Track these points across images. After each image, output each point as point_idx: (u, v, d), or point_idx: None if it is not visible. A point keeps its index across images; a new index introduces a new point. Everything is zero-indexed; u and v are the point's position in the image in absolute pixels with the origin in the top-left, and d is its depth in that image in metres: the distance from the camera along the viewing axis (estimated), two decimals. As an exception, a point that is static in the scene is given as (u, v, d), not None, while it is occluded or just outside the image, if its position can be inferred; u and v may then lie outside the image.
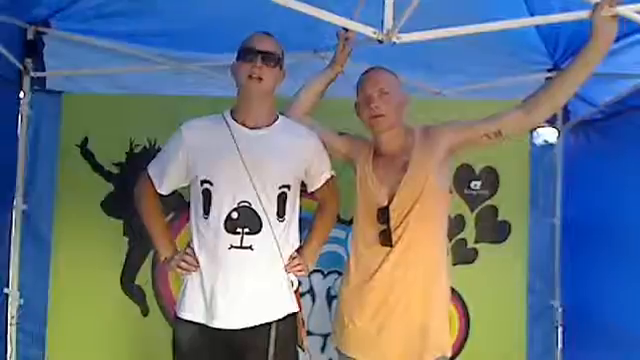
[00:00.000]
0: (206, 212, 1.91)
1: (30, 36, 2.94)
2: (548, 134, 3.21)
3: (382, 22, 1.63)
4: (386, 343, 2.03)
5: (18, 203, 2.98)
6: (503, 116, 1.95)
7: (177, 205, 2.81)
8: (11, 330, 2.97)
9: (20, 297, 2.99)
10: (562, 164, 3.20)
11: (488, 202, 3.14)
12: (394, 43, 1.65)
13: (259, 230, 1.88)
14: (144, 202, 2.07)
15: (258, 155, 1.90)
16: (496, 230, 3.14)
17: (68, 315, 3.05)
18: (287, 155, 1.96)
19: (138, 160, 3.05)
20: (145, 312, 3.11)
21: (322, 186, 2.13)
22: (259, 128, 1.94)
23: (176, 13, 2.78)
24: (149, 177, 2.03)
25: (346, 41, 2.17)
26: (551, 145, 3.22)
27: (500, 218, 3.13)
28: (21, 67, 2.95)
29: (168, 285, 3.11)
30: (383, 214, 2.01)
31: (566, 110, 3.13)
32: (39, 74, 3.02)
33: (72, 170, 3.06)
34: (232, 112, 1.98)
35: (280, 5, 1.64)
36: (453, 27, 1.75)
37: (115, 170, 3.09)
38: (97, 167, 3.08)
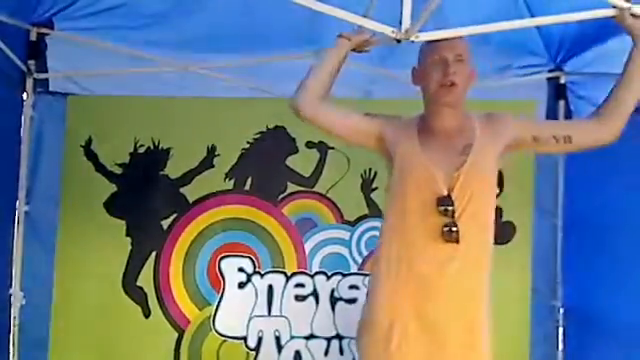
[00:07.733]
0: None
1: (33, 37, 2.93)
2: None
3: (400, 21, 1.63)
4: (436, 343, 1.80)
5: (21, 204, 2.96)
6: (575, 123, 1.85)
7: (178, 205, 2.79)
8: (14, 331, 2.95)
9: (23, 298, 2.96)
10: (564, 164, 3.19)
11: (493, 203, 3.14)
12: (412, 42, 1.65)
13: None
14: None
15: None
16: (501, 231, 3.10)
17: (70, 315, 3.04)
18: None
19: (142, 161, 3.06)
20: (147, 313, 3.09)
21: None
22: None
23: (179, 15, 2.79)
24: None
25: (365, 42, 1.88)
26: (553, 146, 3.22)
27: (504, 219, 3.13)
28: (24, 68, 2.94)
29: (170, 286, 3.10)
30: (444, 204, 1.69)
31: (568, 110, 3.09)
32: (42, 76, 3.00)
33: (76, 171, 3.05)
34: None
35: (281, 5, 1.63)
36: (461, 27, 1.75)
37: (118, 170, 3.08)
38: (100, 168, 3.07)
